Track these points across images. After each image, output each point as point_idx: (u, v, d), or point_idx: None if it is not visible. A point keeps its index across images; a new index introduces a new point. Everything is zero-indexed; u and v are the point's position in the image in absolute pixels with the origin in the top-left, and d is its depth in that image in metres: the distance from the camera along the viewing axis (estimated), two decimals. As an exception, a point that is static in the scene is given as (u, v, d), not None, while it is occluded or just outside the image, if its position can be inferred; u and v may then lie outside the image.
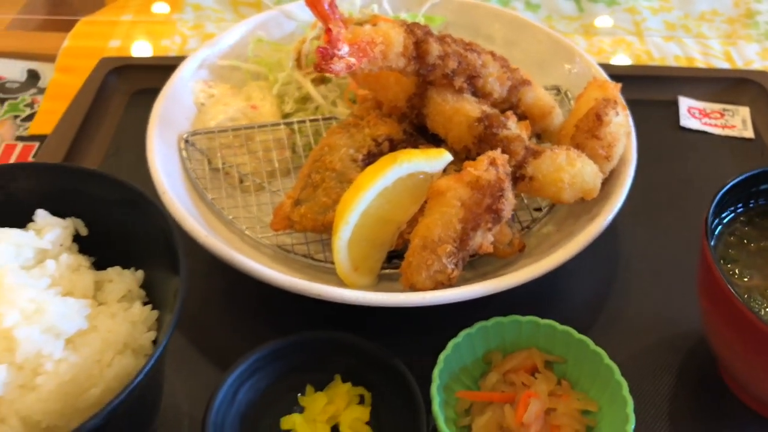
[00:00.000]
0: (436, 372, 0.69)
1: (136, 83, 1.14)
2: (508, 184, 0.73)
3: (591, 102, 0.82)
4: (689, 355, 0.80)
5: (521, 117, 0.87)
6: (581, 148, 0.80)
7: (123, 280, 0.63)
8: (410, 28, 0.78)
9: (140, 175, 0.83)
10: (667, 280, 0.87)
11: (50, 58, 1.27)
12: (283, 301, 0.76)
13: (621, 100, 0.84)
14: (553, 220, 0.87)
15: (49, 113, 1.14)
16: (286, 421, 0.69)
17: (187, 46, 1.30)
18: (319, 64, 0.68)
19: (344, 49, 0.72)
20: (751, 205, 0.75)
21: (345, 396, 0.71)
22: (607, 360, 0.69)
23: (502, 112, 0.83)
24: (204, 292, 0.83)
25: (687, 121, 1.09)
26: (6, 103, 1.16)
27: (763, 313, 0.66)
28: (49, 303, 0.55)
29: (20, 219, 0.64)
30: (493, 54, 0.85)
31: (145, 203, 0.63)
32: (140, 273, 0.64)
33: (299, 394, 0.72)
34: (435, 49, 0.78)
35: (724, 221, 0.74)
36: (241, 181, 0.92)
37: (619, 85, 0.85)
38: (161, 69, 1.14)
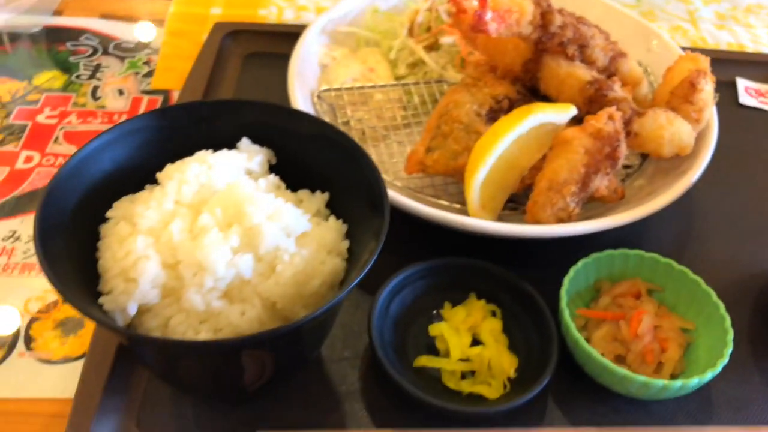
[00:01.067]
0: (563, 291, 0.81)
1: (248, 47, 1.25)
2: (623, 136, 0.86)
3: (684, 72, 0.94)
4: (761, 292, 0.93)
5: (622, 85, 1.00)
6: (675, 111, 0.93)
7: (313, 199, 0.75)
8: (537, 0, 0.90)
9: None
10: (738, 230, 1.00)
11: (158, 23, 1.38)
12: (413, 232, 0.88)
13: (710, 72, 0.97)
14: (643, 175, 1.00)
15: (167, 70, 1.25)
16: (434, 329, 0.82)
17: (283, 15, 1.41)
18: (477, 24, 0.81)
19: (489, 15, 0.84)
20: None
21: (481, 310, 0.83)
22: (704, 286, 0.82)
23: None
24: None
25: (745, 99, 1.23)
26: (126, 61, 1.27)
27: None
28: (283, 206, 0.67)
29: (224, 148, 0.76)
30: (598, 27, 0.97)
31: (341, 140, 0.74)
32: (326, 194, 0.76)
33: (439, 309, 0.84)
34: (557, 19, 0.91)
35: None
36: (363, 133, 1.04)
37: (708, 58, 0.98)
38: (271, 35, 1.26)
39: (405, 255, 0.86)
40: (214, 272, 0.62)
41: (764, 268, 0.95)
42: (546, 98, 0.97)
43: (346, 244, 0.72)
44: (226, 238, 0.64)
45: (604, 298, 0.85)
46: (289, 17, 1.40)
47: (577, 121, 0.90)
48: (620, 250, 0.86)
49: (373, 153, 1.01)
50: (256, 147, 0.76)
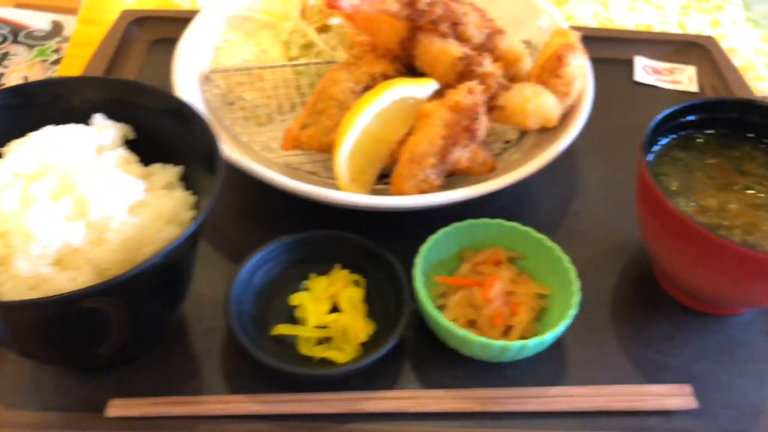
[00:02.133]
0: (418, 259, 0.84)
1: (155, 33, 1.27)
2: (482, 109, 0.88)
3: (554, 47, 0.97)
4: (630, 260, 0.96)
5: (496, 60, 1.02)
6: (544, 85, 0.96)
7: (165, 172, 0.77)
8: (403, -23, 0.93)
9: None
10: (615, 203, 1.03)
11: (72, 11, 1.40)
12: (290, 207, 0.91)
13: (580, 46, 0.99)
14: (520, 150, 1.02)
15: (75, 58, 1.27)
16: (295, 298, 0.84)
17: (198, 2, 1.43)
18: (330, 2, 0.83)
19: (345, -9, 0.86)
20: (682, 134, 0.91)
21: (343, 279, 0.86)
22: (558, 252, 0.85)
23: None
24: (222, 204, 0.97)
25: (641, 76, 1.25)
26: (35, 49, 1.29)
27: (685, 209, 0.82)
28: (115, 176, 0.69)
29: (80, 123, 0.78)
30: (473, 5, 1.00)
31: (188, 113, 0.76)
32: (180, 168, 0.78)
33: (305, 281, 0.87)
34: (424, -4, 0.93)
35: (660, 145, 0.90)
36: (250, 115, 1.06)
37: (579, 33, 1.00)
38: (178, 21, 1.27)
39: (280, 230, 0.89)
40: (40, 239, 0.64)
41: (635, 239, 0.97)
42: (423, 76, 1.00)
43: (190, 214, 0.74)
44: (57, 206, 0.66)
45: (465, 265, 0.87)
46: (203, 4, 1.42)
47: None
48: (481, 219, 0.88)
49: (261, 133, 1.04)
50: (109, 122, 0.78)
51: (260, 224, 0.97)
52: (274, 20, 1.15)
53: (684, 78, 1.25)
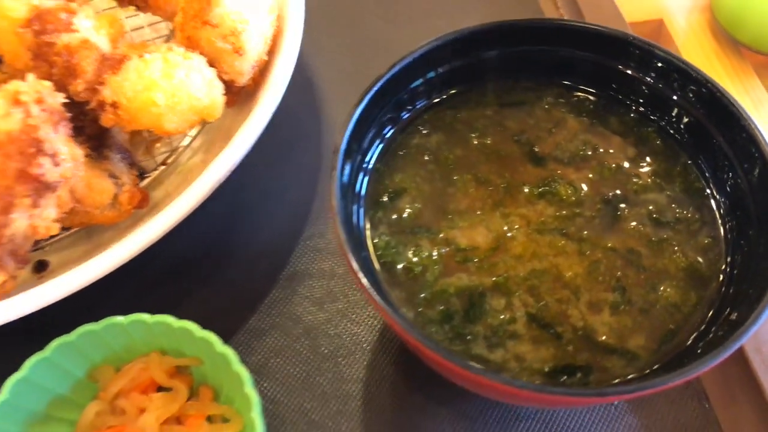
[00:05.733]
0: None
1: None
2: (49, 132, 0.47)
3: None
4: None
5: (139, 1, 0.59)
6: (195, 44, 0.54)
7: None
8: None
9: None
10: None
11: None
12: None
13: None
14: (204, 145, 0.62)
15: None
16: None
17: None
18: None
19: None
20: (427, 102, 0.52)
21: None
22: (236, 365, 0.48)
23: None
24: None
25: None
26: None
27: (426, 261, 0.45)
28: None
29: None
30: None
31: None
32: None
33: None
34: None
35: (394, 127, 0.51)
36: None
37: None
38: None
39: None
40: None
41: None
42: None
43: None
44: None
45: (94, 404, 0.51)
46: None
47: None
48: (105, 320, 0.50)
49: None
50: None
51: None
52: None
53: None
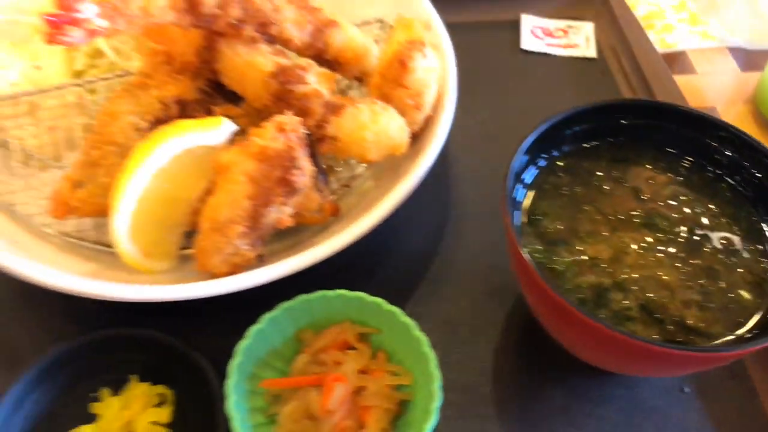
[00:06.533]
0: (233, 366, 0.63)
1: None
2: (300, 152, 0.66)
3: (395, 46, 0.74)
4: (514, 309, 0.77)
5: (333, 63, 0.79)
6: (388, 99, 0.73)
7: None
8: (175, -25, 0.67)
9: None
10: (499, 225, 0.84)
11: None
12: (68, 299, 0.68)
13: (431, 37, 0.76)
14: (375, 174, 0.81)
15: None
16: (76, 435, 0.64)
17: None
18: (50, 36, 0.58)
19: (90, 10, 0.61)
20: (565, 149, 0.71)
21: (141, 398, 0.65)
22: (415, 331, 0.66)
23: (318, 60, 0.76)
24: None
25: (529, 42, 1.03)
26: None
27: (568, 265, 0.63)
28: None
29: None
30: (288, -6, 0.75)
31: None
32: None
33: (93, 403, 0.66)
34: (210, -4, 0.68)
35: (537, 167, 0.70)
36: (29, 157, 0.82)
37: (428, 23, 0.77)
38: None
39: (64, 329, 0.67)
40: None
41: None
42: (237, 96, 0.76)
43: None
44: None
45: (302, 356, 0.68)
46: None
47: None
48: (317, 293, 0.68)
49: (41, 182, 0.79)
50: None
51: (38, 318, 0.75)
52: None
53: (580, 40, 1.04)
